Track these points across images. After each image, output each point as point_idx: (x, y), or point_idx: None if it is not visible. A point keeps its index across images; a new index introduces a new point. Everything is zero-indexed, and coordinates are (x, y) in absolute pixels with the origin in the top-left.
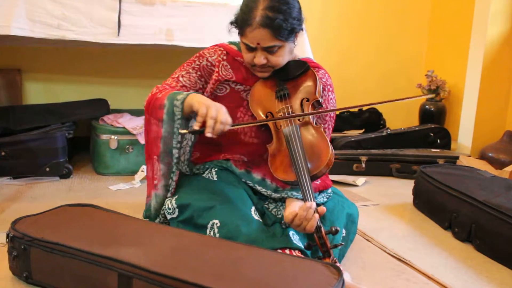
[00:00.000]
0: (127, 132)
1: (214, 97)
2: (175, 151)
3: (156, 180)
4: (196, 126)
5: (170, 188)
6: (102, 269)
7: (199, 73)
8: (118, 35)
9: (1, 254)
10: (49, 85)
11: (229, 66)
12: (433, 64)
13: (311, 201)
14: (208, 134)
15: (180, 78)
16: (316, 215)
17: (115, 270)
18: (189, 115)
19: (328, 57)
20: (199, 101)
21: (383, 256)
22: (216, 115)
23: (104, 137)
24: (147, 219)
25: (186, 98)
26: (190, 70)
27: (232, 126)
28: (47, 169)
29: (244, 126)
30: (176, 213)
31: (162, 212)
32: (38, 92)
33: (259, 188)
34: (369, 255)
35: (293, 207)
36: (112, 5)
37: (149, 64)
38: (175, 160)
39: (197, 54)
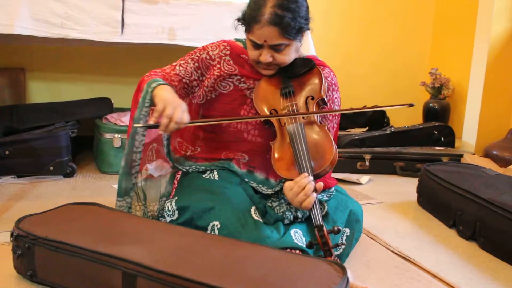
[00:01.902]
0: None
1: (218, 95)
2: (137, 137)
3: (123, 158)
4: (151, 120)
5: (133, 181)
6: (106, 267)
7: (196, 64)
8: (122, 34)
9: (6, 252)
10: (52, 84)
11: (231, 61)
12: (437, 62)
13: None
14: (161, 131)
15: (177, 67)
16: (314, 194)
17: (119, 269)
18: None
19: (332, 56)
20: (161, 96)
21: (387, 254)
22: (172, 114)
23: (108, 135)
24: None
25: (156, 87)
26: (189, 61)
27: (189, 123)
28: (51, 168)
29: (196, 124)
30: (176, 215)
31: (159, 213)
32: (41, 91)
33: (263, 188)
34: (373, 253)
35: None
36: (116, 3)
37: (153, 63)
38: (136, 144)
39: (201, 47)
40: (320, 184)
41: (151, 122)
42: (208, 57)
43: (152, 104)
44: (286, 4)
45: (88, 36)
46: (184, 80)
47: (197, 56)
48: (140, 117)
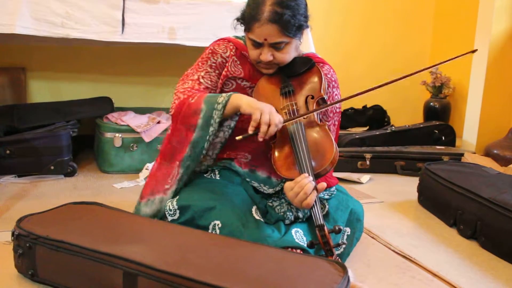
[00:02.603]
0: (131, 130)
1: (221, 92)
2: (200, 156)
3: (168, 184)
4: (250, 130)
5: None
6: (107, 267)
7: (217, 71)
8: (122, 33)
9: (7, 252)
10: (53, 83)
11: (238, 62)
12: (438, 61)
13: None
14: (261, 138)
15: (201, 80)
16: (315, 192)
17: (120, 268)
18: (228, 117)
19: (332, 55)
20: (250, 105)
21: (388, 254)
22: (269, 121)
23: (109, 135)
24: None
25: (229, 100)
26: (209, 69)
27: (284, 122)
28: (52, 167)
29: (290, 121)
30: (177, 215)
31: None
32: (42, 90)
33: (265, 187)
34: (374, 253)
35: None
36: (116, 3)
37: (154, 62)
38: (195, 165)
39: (210, 51)
40: (323, 184)
41: (250, 132)
42: (224, 61)
43: (221, 119)
44: (285, 2)
45: (89, 36)
46: (213, 92)
47: (213, 62)
48: (205, 138)
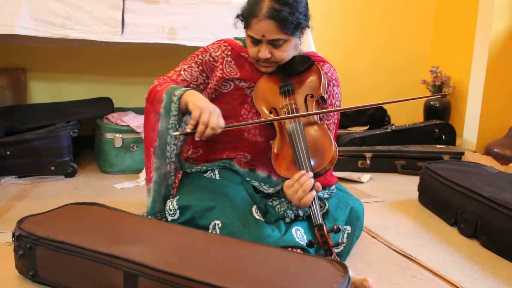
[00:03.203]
0: (132, 131)
1: (219, 94)
2: (168, 147)
3: (151, 173)
4: (188, 128)
5: (170, 188)
6: (108, 267)
7: (200, 67)
8: (122, 33)
9: (7, 253)
10: (53, 84)
11: (233, 62)
12: (438, 60)
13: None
14: (197, 138)
15: (182, 72)
16: (314, 191)
17: (121, 268)
18: (185, 111)
19: (332, 54)
20: (194, 103)
21: (389, 253)
22: (208, 120)
23: (109, 135)
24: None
25: (183, 94)
26: (193, 65)
27: (225, 128)
28: (52, 168)
29: (238, 126)
30: (177, 215)
31: (159, 214)
32: (42, 91)
33: (265, 187)
34: (374, 252)
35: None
36: (116, 3)
37: (154, 62)
38: (168, 155)
39: (202, 49)
40: (318, 185)
41: (188, 130)
42: (211, 59)
43: (179, 112)
44: None
45: (89, 36)
46: (191, 86)
47: (200, 59)
48: (168, 127)
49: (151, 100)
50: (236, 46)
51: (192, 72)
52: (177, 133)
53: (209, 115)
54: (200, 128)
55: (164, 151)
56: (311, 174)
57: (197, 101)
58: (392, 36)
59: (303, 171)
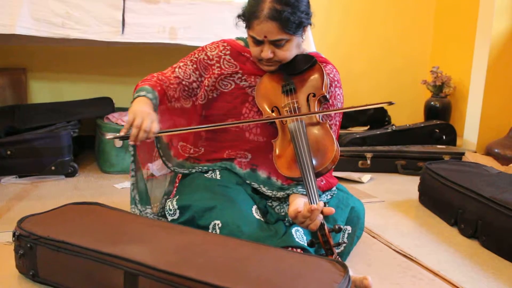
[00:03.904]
0: None
1: (220, 93)
2: (129, 147)
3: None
4: (121, 132)
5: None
6: (108, 267)
7: (194, 66)
8: (122, 33)
9: (8, 252)
10: (54, 84)
11: (232, 60)
12: (439, 60)
13: (316, 202)
14: (131, 142)
15: (176, 69)
16: (321, 215)
17: (121, 268)
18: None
19: (333, 55)
20: (132, 108)
21: (389, 253)
22: (141, 124)
23: (109, 135)
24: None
25: (136, 99)
26: (188, 62)
27: (159, 133)
28: (53, 167)
29: (168, 133)
30: (177, 215)
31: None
32: (43, 91)
33: (264, 189)
34: (375, 252)
35: (297, 204)
36: (116, 3)
37: (154, 62)
38: (132, 153)
39: (200, 48)
40: (331, 210)
41: (121, 133)
42: (206, 58)
43: None
44: None
45: (89, 36)
46: (183, 83)
47: (195, 57)
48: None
49: (133, 93)
50: (237, 46)
51: (186, 70)
52: (111, 136)
53: (142, 119)
54: (133, 131)
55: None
56: (321, 204)
57: (134, 106)
58: (393, 36)
59: (314, 206)
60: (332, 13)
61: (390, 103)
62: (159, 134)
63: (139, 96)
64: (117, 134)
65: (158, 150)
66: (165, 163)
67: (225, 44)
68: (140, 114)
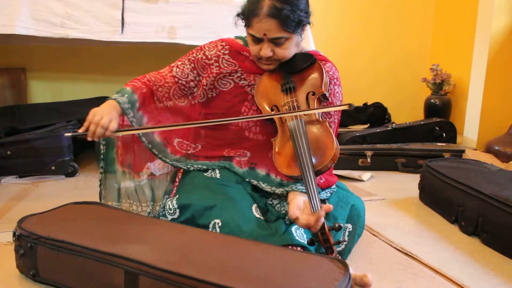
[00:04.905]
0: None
1: (219, 93)
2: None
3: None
4: (80, 129)
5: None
6: (109, 266)
7: (192, 65)
8: (122, 33)
9: (8, 252)
10: (53, 83)
11: (231, 59)
12: (438, 57)
13: (317, 205)
14: (89, 138)
15: (174, 68)
16: (322, 213)
17: (122, 267)
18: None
19: (331, 52)
20: (95, 108)
21: (390, 251)
22: (98, 121)
23: (68, 132)
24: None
25: (107, 99)
26: (186, 62)
27: (116, 132)
28: (53, 167)
29: (128, 132)
30: (177, 214)
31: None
32: (42, 91)
33: (263, 185)
34: (376, 250)
35: (297, 202)
36: (116, 3)
37: (154, 61)
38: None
39: (198, 47)
40: (330, 206)
41: (80, 131)
42: (204, 57)
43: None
44: None
45: (89, 36)
46: (180, 82)
47: (193, 56)
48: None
49: None
50: (236, 45)
51: (184, 69)
52: (69, 134)
53: (100, 117)
54: (91, 127)
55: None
56: (322, 214)
57: (99, 108)
58: (392, 33)
59: (316, 214)
60: (331, 10)
61: (351, 106)
62: (118, 133)
63: (110, 98)
64: (75, 132)
65: (150, 150)
66: (162, 159)
67: (224, 44)
68: (100, 112)
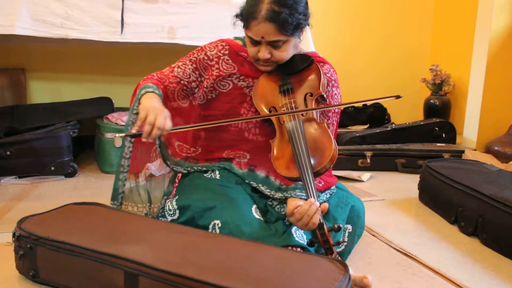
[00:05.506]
0: None
1: (218, 94)
2: (126, 143)
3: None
4: (133, 129)
5: (119, 184)
6: (108, 267)
7: (194, 65)
8: (121, 33)
9: (8, 253)
10: (53, 84)
11: (230, 60)
12: (438, 58)
13: (314, 198)
14: (144, 139)
15: (175, 69)
16: (319, 211)
17: (121, 268)
18: None
19: (331, 52)
20: (143, 105)
21: (390, 251)
22: (154, 121)
23: (109, 135)
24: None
25: (144, 95)
26: (187, 62)
27: (172, 130)
28: (52, 168)
29: (181, 130)
30: (177, 215)
31: (161, 212)
32: (42, 91)
33: (263, 188)
34: (375, 250)
35: (295, 205)
36: (115, 3)
37: (153, 62)
38: (125, 151)
39: (199, 47)
40: (325, 205)
41: (133, 131)
42: (206, 58)
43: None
44: (284, 0)
45: (88, 36)
46: (182, 82)
47: (195, 57)
48: (129, 123)
49: (133, 92)
50: (235, 45)
51: (185, 70)
52: (122, 134)
53: (155, 116)
54: (147, 128)
55: (123, 146)
56: (313, 199)
57: (146, 103)
58: (391, 34)
59: (310, 200)
60: (331, 10)
61: (398, 97)
62: (172, 131)
63: (147, 92)
64: (129, 132)
65: (158, 147)
66: (166, 162)
67: (224, 44)
68: (153, 111)
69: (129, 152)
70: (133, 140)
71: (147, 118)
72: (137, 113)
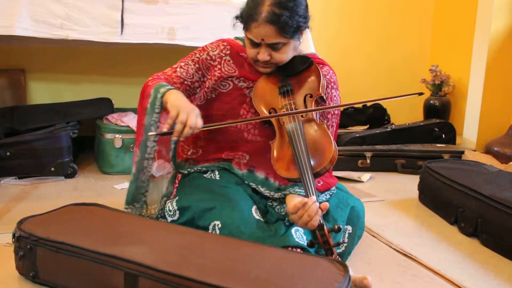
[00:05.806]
0: (132, 131)
1: (218, 94)
2: (149, 143)
3: (134, 165)
4: (165, 128)
5: (142, 188)
6: (108, 268)
7: (197, 65)
8: (121, 34)
9: (8, 253)
10: (53, 84)
11: (231, 61)
12: (437, 58)
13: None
14: (175, 138)
15: (178, 69)
16: (319, 211)
17: (121, 269)
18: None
19: (330, 53)
20: (173, 102)
21: (389, 252)
22: (186, 120)
23: (109, 136)
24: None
25: (166, 92)
26: (189, 62)
27: (203, 128)
28: (52, 168)
29: (218, 126)
30: (177, 215)
31: (161, 212)
32: (42, 92)
33: (262, 189)
34: (375, 251)
35: (295, 202)
36: (115, 4)
37: (153, 62)
38: (148, 151)
39: (200, 48)
40: (326, 204)
41: (164, 129)
42: (208, 58)
43: (163, 109)
44: (284, 3)
45: (88, 37)
46: (186, 82)
47: (197, 57)
48: (151, 123)
49: (142, 94)
50: (236, 45)
51: (188, 70)
52: (153, 133)
53: (187, 114)
54: (178, 127)
55: (145, 147)
56: (314, 198)
57: (175, 100)
58: (391, 34)
59: (311, 198)
60: (330, 11)
61: (421, 94)
62: (203, 129)
63: (168, 89)
64: (160, 130)
65: (173, 148)
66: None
67: (225, 44)
68: (184, 109)
69: (153, 152)
70: (156, 139)
71: (179, 117)
72: (159, 112)
